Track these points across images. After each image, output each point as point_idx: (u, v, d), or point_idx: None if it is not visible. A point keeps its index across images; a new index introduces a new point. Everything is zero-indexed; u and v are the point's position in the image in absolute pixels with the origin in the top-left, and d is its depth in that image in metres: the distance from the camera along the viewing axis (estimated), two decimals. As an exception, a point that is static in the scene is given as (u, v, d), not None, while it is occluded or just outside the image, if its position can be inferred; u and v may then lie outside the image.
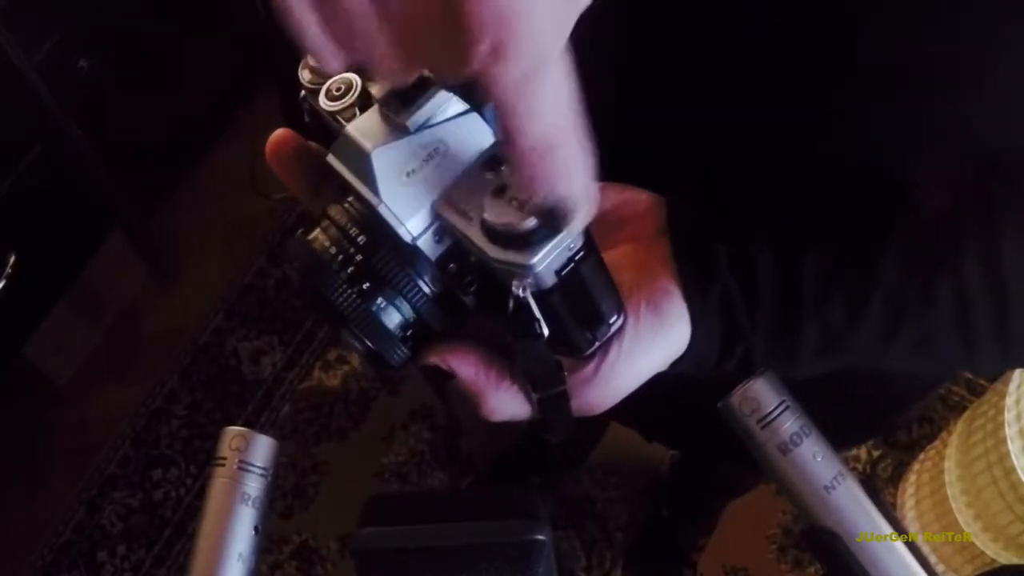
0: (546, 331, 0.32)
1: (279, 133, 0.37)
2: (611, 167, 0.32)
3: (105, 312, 1.75)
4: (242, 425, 0.74)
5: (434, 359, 0.37)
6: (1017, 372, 1.07)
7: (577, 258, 0.31)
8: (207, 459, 1.60)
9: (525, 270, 0.30)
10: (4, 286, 1.30)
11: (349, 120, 0.34)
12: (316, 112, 0.36)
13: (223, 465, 0.39)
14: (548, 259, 0.30)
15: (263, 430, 0.71)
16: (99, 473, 1.60)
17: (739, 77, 0.42)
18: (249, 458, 0.39)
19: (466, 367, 0.37)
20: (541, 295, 0.31)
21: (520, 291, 0.31)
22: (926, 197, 0.38)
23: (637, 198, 0.40)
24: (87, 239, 1.60)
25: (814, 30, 0.38)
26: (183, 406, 1.65)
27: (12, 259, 1.30)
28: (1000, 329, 0.37)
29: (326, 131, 0.36)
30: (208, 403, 1.65)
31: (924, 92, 0.38)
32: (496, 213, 0.30)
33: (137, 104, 1.57)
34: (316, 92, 0.36)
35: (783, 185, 0.42)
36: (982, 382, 1.47)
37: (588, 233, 0.31)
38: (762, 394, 0.38)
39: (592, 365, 0.37)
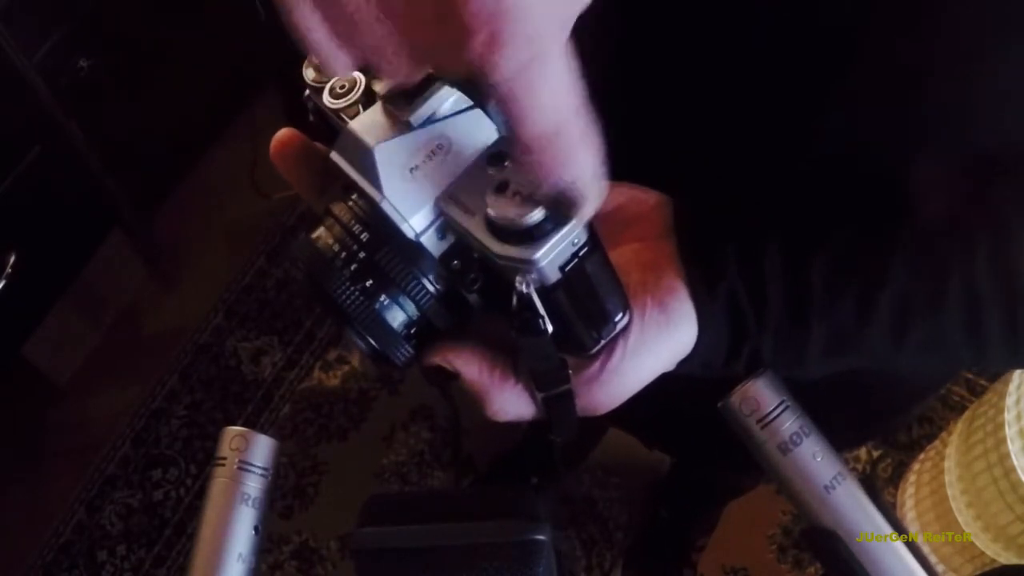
0: (550, 327, 0.32)
1: (283, 132, 0.37)
2: (611, 165, 0.32)
3: (105, 312, 1.75)
4: (242, 425, 0.74)
5: (438, 360, 0.36)
6: (1017, 372, 1.07)
7: (581, 254, 0.31)
8: (207, 459, 1.60)
9: (528, 265, 0.30)
10: (4, 286, 1.30)
11: (353, 118, 0.34)
12: (320, 110, 0.36)
13: (223, 465, 0.39)
14: (552, 254, 0.30)
15: (263, 430, 0.71)
16: (99, 473, 1.60)
17: (740, 74, 0.42)
18: (249, 458, 0.39)
19: (470, 367, 0.36)
20: (545, 291, 0.31)
21: (524, 287, 0.30)
22: (928, 198, 0.38)
23: (643, 197, 0.40)
24: (87, 239, 1.60)
25: (815, 30, 0.38)
26: (183, 406, 1.65)
27: (12, 259, 1.30)
28: (1011, 329, 0.37)
29: (330, 130, 0.35)
30: (208, 403, 1.65)
31: (922, 90, 0.38)
32: (499, 208, 0.30)
33: (137, 104, 1.57)
34: (320, 90, 0.36)
35: (782, 181, 0.42)
36: (982, 382, 1.46)
37: (592, 229, 0.31)
38: (762, 394, 0.38)
39: (597, 364, 0.36)
